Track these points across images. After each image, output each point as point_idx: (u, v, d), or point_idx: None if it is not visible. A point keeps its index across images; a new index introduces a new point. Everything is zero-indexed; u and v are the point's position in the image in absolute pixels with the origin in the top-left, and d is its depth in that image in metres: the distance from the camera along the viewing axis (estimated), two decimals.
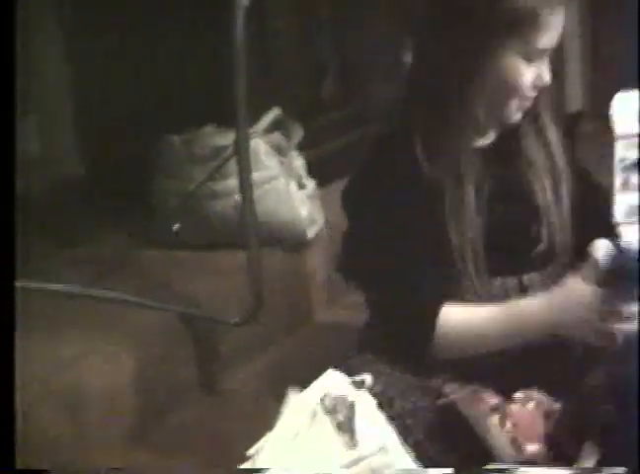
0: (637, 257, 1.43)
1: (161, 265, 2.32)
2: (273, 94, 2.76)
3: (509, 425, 1.42)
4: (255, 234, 1.96)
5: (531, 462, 1.38)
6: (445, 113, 1.51)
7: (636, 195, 1.91)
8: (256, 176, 2.09)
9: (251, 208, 1.95)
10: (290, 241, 2.38)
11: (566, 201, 1.61)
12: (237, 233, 2.07)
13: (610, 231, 1.67)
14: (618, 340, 1.44)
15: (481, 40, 1.47)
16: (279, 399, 1.41)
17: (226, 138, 2.31)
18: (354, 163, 1.62)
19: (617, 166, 1.92)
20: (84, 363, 1.83)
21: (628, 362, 1.37)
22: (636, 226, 1.78)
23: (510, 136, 1.60)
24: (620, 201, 1.89)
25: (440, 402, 1.46)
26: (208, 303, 2.08)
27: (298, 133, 2.50)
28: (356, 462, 1.30)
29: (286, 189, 2.36)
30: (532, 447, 1.40)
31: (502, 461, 1.38)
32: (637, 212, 1.88)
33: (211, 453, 1.77)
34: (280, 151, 2.41)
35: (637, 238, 1.56)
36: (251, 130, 2.13)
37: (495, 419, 1.42)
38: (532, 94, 1.54)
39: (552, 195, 1.60)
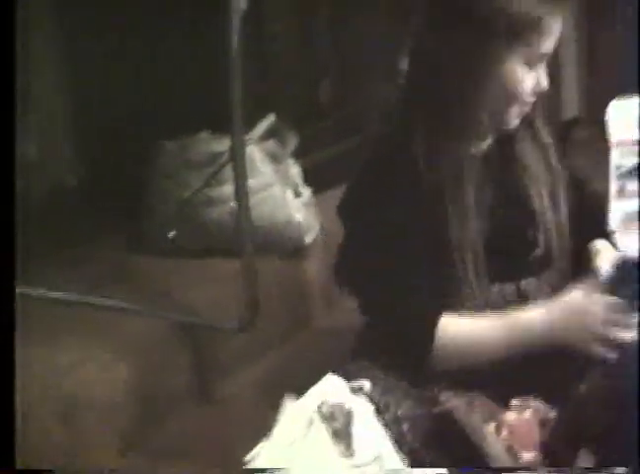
0: (637, 266, 1.43)
1: (158, 272, 2.31)
2: (270, 99, 2.75)
3: (505, 433, 1.41)
4: (251, 241, 1.95)
5: (527, 470, 1.38)
6: (446, 114, 1.51)
7: (632, 202, 1.90)
8: (252, 183, 2.08)
9: (247, 215, 1.94)
10: (287, 248, 2.38)
11: (562, 207, 1.61)
12: (233, 240, 2.06)
13: (606, 238, 1.67)
14: (619, 349, 1.44)
15: (484, 43, 1.47)
16: (276, 406, 1.40)
17: (222, 144, 2.30)
18: (350, 170, 1.62)
19: (613, 173, 1.92)
20: (81, 371, 1.83)
21: (628, 371, 1.37)
22: (632, 234, 1.78)
23: (506, 141, 1.60)
24: (616, 209, 1.89)
25: (437, 410, 1.45)
26: (206, 310, 2.08)
27: (293, 141, 2.49)
28: (351, 471, 1.30)
29: (282, 196, 2.35)
30: (528, 455, 1.40)
31: (498, 469, 1.38)
32: (635, 219, 1.88)
33: (209, 460, 1.76)
34: (275, 159, 2.40)
35: (636, 245, 1.56)
36: (246, 137, 2.13)
37: (491, 427, 1.42)
38: (531, 99, 1.54)
39: (548, 200, 1.60)
